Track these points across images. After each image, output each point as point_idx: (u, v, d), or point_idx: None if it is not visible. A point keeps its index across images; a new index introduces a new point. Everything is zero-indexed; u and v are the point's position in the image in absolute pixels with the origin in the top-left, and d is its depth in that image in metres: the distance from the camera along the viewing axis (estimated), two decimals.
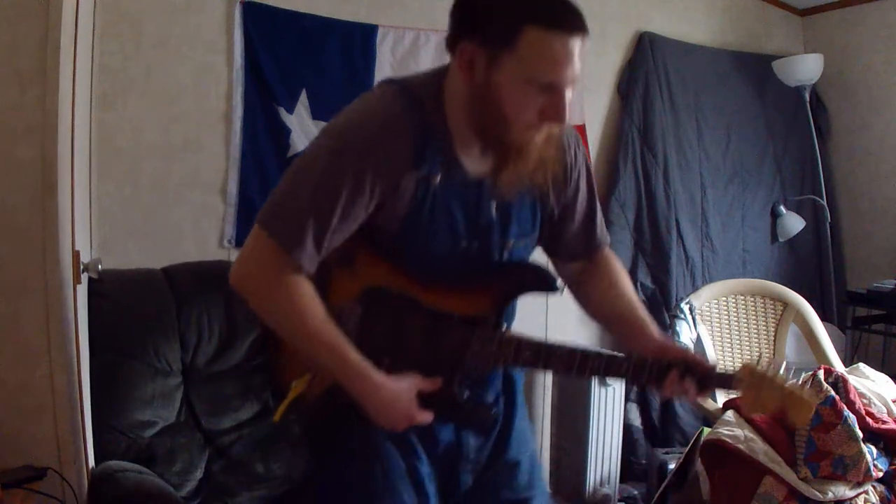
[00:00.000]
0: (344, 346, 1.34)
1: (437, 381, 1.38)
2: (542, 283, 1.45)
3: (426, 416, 1.37)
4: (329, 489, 1.47)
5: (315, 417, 1.47)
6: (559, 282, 1.50)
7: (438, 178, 1.33)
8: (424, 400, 1.37)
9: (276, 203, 1.35)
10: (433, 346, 1.39)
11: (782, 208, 3.72)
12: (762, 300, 3.44)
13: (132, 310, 2.42)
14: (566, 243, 1.55)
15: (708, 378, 1.36)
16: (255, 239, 1.35)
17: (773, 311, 3.42)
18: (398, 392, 1.35)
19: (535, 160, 1.34)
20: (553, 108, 1.26)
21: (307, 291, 1.34)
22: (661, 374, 1.35)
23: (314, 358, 1.39)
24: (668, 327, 3.44)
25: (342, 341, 1.34)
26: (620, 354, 1.40)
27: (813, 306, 3.40)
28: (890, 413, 2.69)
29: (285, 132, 2.97)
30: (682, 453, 2.96)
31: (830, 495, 2.47)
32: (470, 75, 1.28)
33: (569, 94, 1.26)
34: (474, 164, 1.37)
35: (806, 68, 3.75)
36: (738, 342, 3.40)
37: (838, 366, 2.94)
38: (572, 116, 1.38)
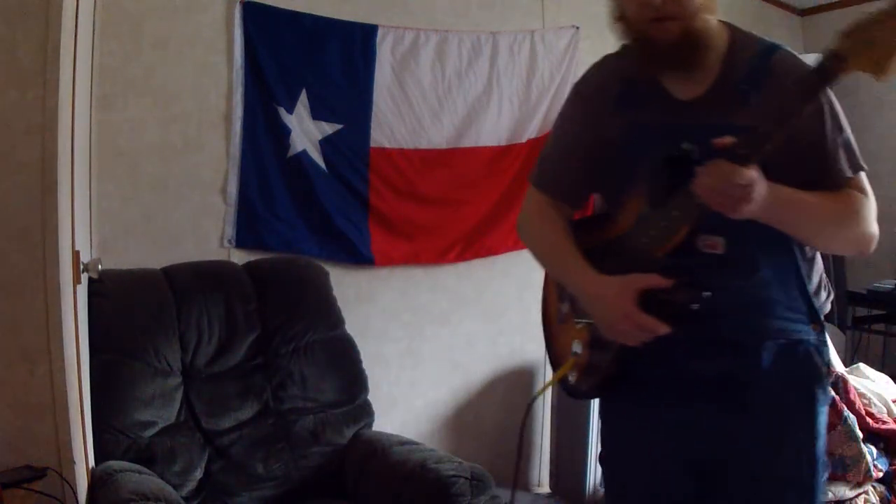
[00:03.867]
0: (565, 250, 1.52)
1: (655, 276, 1.36)
2: None
3: (645, 319, 1.36)
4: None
5: (580, 393, 1.61)
6: None
7: None
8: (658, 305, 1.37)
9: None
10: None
11: None
12: None
13: (132, 310, 2.42)
14: None
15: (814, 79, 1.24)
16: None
17: None
18: (601, 284, 1.43)
19: None
20: None
21: (544, 210, 1.58)
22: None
23: (550, 269, 1.60)
24: None
25: (566, 248, 1.52)
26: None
27: None
28: (890, 413, 2.69)
29: (285, 132, 2.97)
30: None
31: (830, 495, 2.47)
32: None
33: None
34: None
35: None
36: None
37: (838, 366, 2.94)
38: None
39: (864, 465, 2.48)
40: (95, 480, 2.01)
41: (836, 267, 3.99)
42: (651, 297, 1.36)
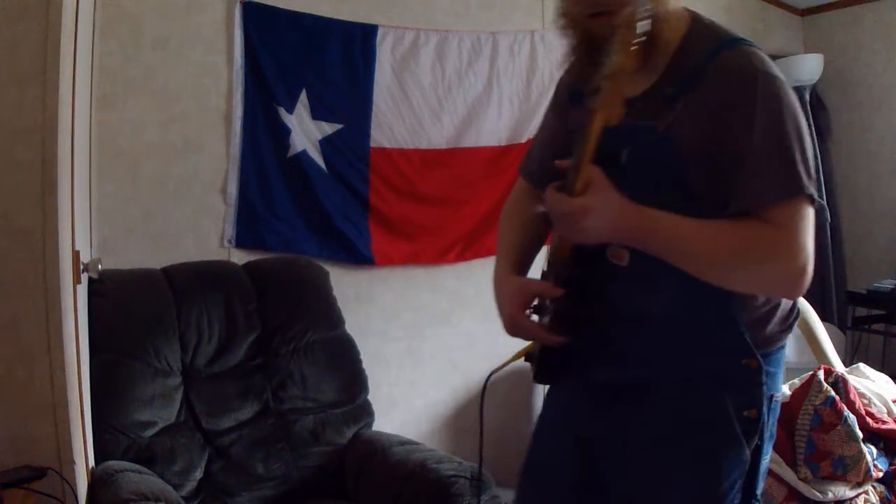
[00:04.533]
0: (503, 240, 1.56)
1: (546, 284, 1.35)
2: None
3: (526, 323, 1.38)
4: None
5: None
6: None
7: None
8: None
9: None
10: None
11: None
12: None
13: (132, 310, 2.42)
14: None
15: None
16: None
17: None
18: (504, 282, 1.47)
19: None
20: None
21: (519, 198, 1.61)
22: None
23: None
24: None
25: (506, 239, 1.56)
26: None
27: (813, 306, 3.39)
28: (890, 413, 2.69)
29: (285, 132, 2.97)
30: None
31: (830, 495, 2.47)
32: None
33: None
34: None
35: (806, 68, 3.74)
36: None
37: (838, 366, 2.94)
38: None
39: (863, 465, 2.48)
40: (95, 480, 2.01)
41: (836, 267, 4.00)
42: (544, 302, 1.37)
